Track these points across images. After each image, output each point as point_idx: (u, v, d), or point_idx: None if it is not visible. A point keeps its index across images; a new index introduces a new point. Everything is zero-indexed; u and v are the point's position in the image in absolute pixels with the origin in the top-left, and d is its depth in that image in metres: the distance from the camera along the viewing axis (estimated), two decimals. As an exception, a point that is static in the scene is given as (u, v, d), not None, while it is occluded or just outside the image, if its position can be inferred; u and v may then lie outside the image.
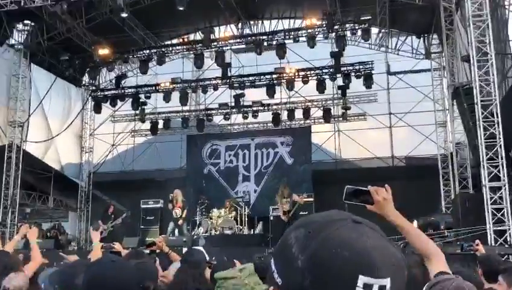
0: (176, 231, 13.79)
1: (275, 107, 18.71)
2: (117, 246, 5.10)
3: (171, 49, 17.90)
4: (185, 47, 17.80)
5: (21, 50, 16.37)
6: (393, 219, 2.18)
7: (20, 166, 16.07)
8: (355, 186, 2.17)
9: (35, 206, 18.42)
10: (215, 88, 18.00)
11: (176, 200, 13.61)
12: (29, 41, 16.21)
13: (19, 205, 16.25)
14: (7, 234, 14.96)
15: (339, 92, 17.93)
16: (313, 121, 18.91)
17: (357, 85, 17.13)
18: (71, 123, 18.47)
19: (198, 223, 14.64)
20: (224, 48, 16.88)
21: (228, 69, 17.30)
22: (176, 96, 17.90)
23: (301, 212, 13.57)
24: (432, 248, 2.34)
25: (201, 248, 4.40)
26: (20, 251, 7.11)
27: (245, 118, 18.89)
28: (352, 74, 16.53)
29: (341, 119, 18.82)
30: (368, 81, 16.37)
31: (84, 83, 19.82)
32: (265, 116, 19.14)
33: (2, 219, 15.41)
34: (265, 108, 18.70)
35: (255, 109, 18.57)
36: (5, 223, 15.44)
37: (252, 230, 14.92)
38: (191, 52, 17.49)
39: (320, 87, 16.77)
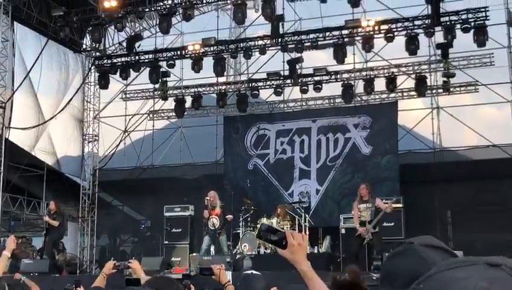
0: (212, 248, 13.78)
1: (345, 76, 18.47)
2: (134, 264, 4.95)
3: (201, -2, 17.84)
4: (220, -5, 17.71)
5: (0, 4, 16.66)
6: (304, 268, 2.65)
7: (2, 161, 16.36)
8: (271, 225, 2.84)
9: (23, 215, 18.86)
10: (263, 51, 17.84)
11: (212, 205, 13.58)
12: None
13: (1, 213, 16.64)
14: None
15: (438, 52, 17.53)
16: (400, 94, 18.64)
17: (464, 42, 16.66)
18: (69, 102, 18.74)
19: (241, 237, 14.61)
20: (274, -6, 16.64)
21: (280, 24, 17.10)
22: (208, 63, 17.85)
23: (384, 224, 13.36)
24: None
25: (257, 273, 4.29)
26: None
27: (304, 92, 18.71)
28: (458, 26, 16.04)
29: (441, 91, 18.48)
30: (481, 36, 15.83)
31: (85, 47, 20.03)
32: (333, 89, 18.97)
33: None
34: (332, 77, 18.47)
35: (317, 79, 18.36)
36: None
37: (317, 247, 14.83)
38: (229, 1, 17.27)
39: (411, 46, 16.36)
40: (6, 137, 16.77)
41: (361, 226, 12.47)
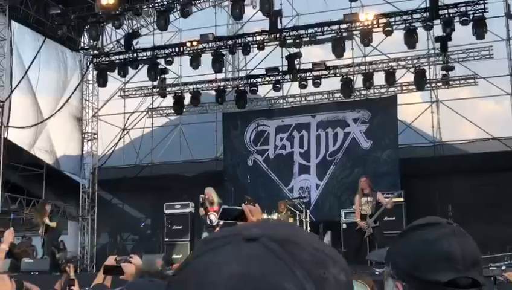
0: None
1: (344, 70, 18.44)
2: (135, 259, 4.82)
3: (198, -6, 17.80)
4: (217, -9, 17.65)
5: (-3, 3, 16.63)
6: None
7: (1, 160, 16.32)
8: (231, 206, 3.23)
9: (22, 214, 18.80)
10: (261, 47, 17.80)
11: (209, 202, 13.42)
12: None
13: (0, 212, 16.59)
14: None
15: (437, 46, 17.52)
16: (399, 88, 18.61)
17: (463, 35, 16.65)
18: (67, 101, 18.66)
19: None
20: (272, -10, 16.58)
21: (278, 20, 17.04)
22: (207, 60, 17.81)
23: (386, 218, 13.31)
24: None
25: None
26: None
27: (303, 87, 18.66)
28: (457, 18, 15.97)
29: (441, 85, 18.49)
30: (480, 28, 15.78)
31: (82, 45, 19.96)
32: (332, 84, 18.94)
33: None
34: (331, 72, 18.43)
35: (316, 74, 18.31)
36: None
37: (318, 243, 14.76)
38: (227, -3, 17.23)
39: (410, 39, 16.30)
40: (5, 136, 16.76)
41: (362, 220, 12.39)
